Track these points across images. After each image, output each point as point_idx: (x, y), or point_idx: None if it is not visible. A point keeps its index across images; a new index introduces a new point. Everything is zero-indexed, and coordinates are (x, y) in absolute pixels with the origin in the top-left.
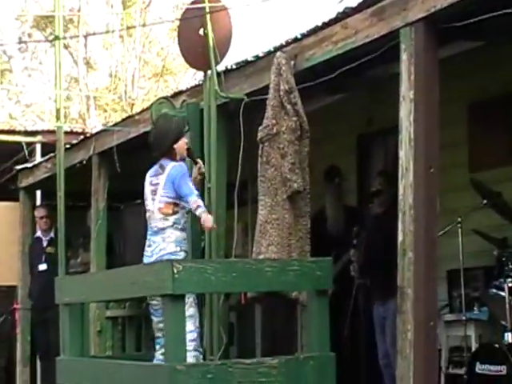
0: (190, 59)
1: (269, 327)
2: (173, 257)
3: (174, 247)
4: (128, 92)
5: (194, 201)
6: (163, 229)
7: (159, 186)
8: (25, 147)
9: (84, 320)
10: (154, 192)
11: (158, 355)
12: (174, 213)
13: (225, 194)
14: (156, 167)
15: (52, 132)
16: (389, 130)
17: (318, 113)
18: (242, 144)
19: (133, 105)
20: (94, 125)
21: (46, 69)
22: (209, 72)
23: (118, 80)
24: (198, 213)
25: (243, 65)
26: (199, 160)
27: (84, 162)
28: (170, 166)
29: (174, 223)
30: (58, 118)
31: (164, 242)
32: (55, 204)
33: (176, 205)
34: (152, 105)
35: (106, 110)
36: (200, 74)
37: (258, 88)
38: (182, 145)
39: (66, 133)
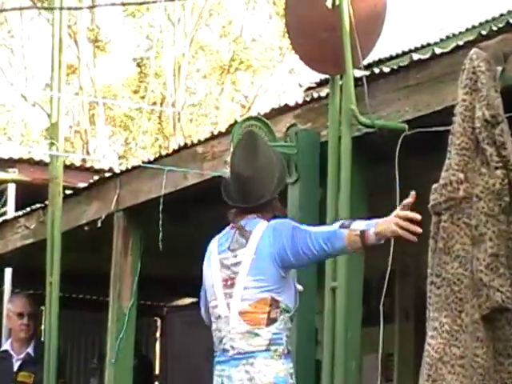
0: (306, 52)
1: None
2: None
3: None
4: (168, 96)
5: (331, 227)
6: (251, 354)
7: (241, 268)
8: None
9: None
10: (231, 281)
11: None
12: (272, 320)
13: (360, 298)
14: (230, 234)
15: (37, 164)
16: None
17: None
18: (397, 207)
19: (177, 121)
20: (102, 153)
21: (20, 50)
22: (337, 78)
23: (145, 72)
24: (355, 232)
25: (403, 67)
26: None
27: (99, 222)
28: (262, 227)
29: (272, 341)
30: (52, 143)
31: (251, 383)
32: (42, 294)
33: (276, 303)
34: (234, 128)
35: (125, 127)
36: (314, 77)
37: (429, 111)
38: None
39: (66, 167)
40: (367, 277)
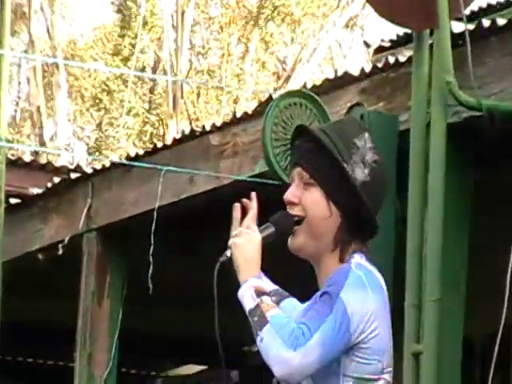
0: None
1: None
2: None
3: None
4: (165, 58)
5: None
6: None
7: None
8: None
9: None
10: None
11: None
12: None
13: (458, 369)
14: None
15: None
16: None
17: None
18: None
19: (178, 95)
20: (64, 142)
21: None
22: (425, 34)
23: (131, 21)
24: None
25: None
26: None
27: (60, 248)
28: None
29: None
30: None
31: None
32: None
33: None
34: (268, 108)
35: (99, 105)
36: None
37: None
38: None
39: (11, 164)
40: (468, 338)
